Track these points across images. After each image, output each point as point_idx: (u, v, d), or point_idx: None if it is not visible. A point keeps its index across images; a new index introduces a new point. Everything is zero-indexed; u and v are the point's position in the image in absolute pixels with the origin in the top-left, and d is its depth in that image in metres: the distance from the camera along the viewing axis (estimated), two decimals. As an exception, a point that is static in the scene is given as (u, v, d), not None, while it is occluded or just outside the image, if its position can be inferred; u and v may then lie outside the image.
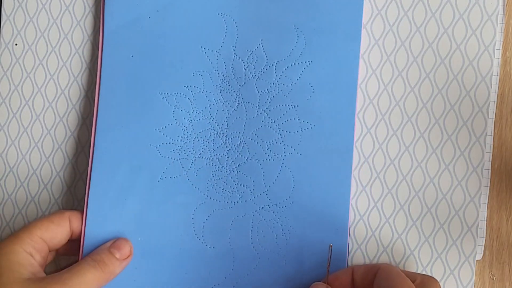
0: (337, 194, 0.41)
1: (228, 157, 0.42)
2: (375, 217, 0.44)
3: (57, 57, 0.47)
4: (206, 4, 0.42)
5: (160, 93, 0.42)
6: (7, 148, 0.47)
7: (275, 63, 0.41)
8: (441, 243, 0.44)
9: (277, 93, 0.41)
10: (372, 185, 0.44)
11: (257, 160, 0.41)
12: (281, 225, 0.41)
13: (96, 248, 0.41)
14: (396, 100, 0.44)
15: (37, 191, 0.47)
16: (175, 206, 0.42)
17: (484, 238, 0.44)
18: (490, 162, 0.44)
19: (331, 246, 0.40)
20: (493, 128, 0.44)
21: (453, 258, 0.44)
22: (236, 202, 0.42)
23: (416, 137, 0.44)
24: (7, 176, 0.47)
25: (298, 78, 0.41)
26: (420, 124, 0.44)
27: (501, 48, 0.44)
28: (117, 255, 0.40)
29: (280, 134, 0.41)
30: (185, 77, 0.42)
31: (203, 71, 0.42)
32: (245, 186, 0.42)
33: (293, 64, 0.41)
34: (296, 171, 0.41)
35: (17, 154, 0.47)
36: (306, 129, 0.41)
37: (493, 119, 0.44)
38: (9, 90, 0.47)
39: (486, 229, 0.44)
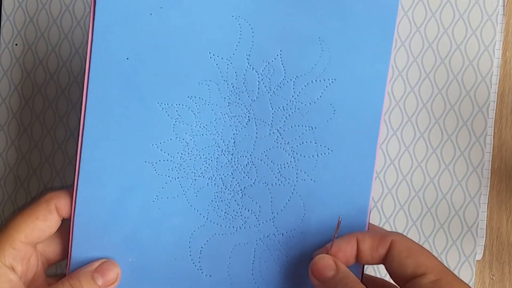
0: (352, 229, 0.36)
1: (233, 178, 0.38)
2: (375, 217, 0.44)
3: (57, 57, 0.47)
4: (219, 3, 0.37)
5: (160, 103, 0.37)
6: (7, 148, 0.47)
7: (293, 78, 0.37)
8: (441, 243, 0.44)
9: (293, 111, 0.37)
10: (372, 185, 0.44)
11: (265, 184, 0.38)
12: (287, 257, 0.37)
13: (79, 269, 0.37)
14: (396, 100, 0.44)
15: (37, 191, 0.47)
16: (170, 228, 0.38)
17: (484, 238, 0.44)
18: (490, 162, 0.44)
19: (340, 218, 0.36)
20: (493, 128, 0.44)
21: (453, 258, 0.44)
22: (238, 227, 0.38)
23: (416, 137, 0.44)
24: (7, 176, 0.47)
25: (319, 97, 0.37)
26: (420, 124, 0.44)
27: (501, 48, 0.44)
28: (100, 282, 0.36)
29: (293, 157, 0.37)
30: (189, 87, 0.37)
31: (210, 80, 0.37)
32: (250, 211, 0.38)
33: (314, 80, 0.37)
34: (307, 199, 0.37)
35: (17, 154, 0.47)
36: (323, 154, 0.37)
37: (493, 119, 0.44)
38: (9, 90, 0.47)
39: (486, 229, 0.44)
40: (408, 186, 0.44)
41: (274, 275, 0.37)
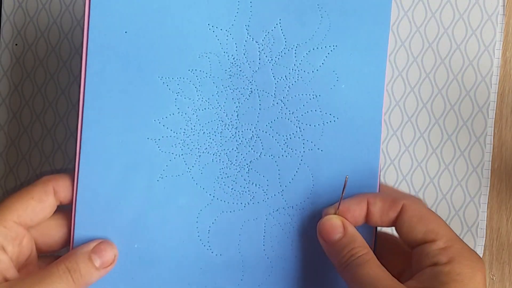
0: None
1: (238, 152, 0.37)
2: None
3: (57, 57, 0.47)
4: None
5: (160, 77, 0.36)
6: (7, 148, 0.47)
7: (294, 47, 0.36)
8: (441, 243, 0.44)
9: (296, 80, 0.36)
10: (372, 185, 0.44)
11: (272, 156, 0.37)
12: (298, 230, 0.37)
13: (75, 249, 0.35)
14: (396, 100, 0.44)
15: (37, 191, 0.47)
16: (177, 209, 0.37)
17: (484, 238, 0.44)
18: (490, 162, 0.44)
19: (347, 177, 0.35)
20: (493, 128, 0.44)
21: (453, 258, 0.44)
22: (246, 203, 0.37)
23: (416, 137, 0.44)
24: (7, 176, 0.47)
25: (321, 64, 0.36)
26: (420, 124, 0.44)
27: (501, 48, 0.44)
28: (97, 263, 0.34)
29: (299, 127, 0.37)
30: (189, 59, 0.37)
31: (210, 52, 0.37)
32: (258, 186, 0.37)
33: (315, 48, 0.36)
34: (316, 169, 0.36)
35: (17, 154, 0.47)
36: (328, 122, 0.36)
37: (493, 119, 0.44)
38: (9, 90, 0.47)
39: (486, 229, 0.44)
40: (408, 186, 0.44)
41: (286, 250, 0.37)
